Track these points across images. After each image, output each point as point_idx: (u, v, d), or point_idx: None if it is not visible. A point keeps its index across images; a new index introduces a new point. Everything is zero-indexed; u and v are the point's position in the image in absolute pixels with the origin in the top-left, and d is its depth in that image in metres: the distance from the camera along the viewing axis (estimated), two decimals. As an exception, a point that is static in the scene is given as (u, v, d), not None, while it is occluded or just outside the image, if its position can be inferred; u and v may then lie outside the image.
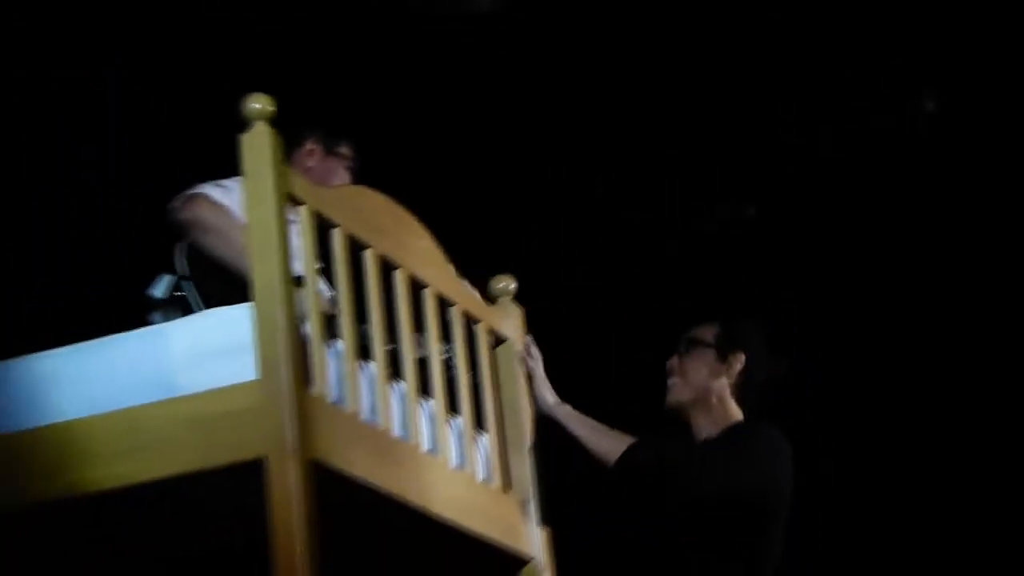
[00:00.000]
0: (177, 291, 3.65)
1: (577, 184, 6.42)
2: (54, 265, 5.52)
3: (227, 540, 3.30)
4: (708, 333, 3.83)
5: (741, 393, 3.78)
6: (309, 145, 4.09)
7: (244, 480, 2.71)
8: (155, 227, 3.81)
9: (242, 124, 2.93)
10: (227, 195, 3.73)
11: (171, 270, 3.70)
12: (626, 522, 3.84)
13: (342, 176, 4.08)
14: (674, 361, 3.85)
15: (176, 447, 2.79)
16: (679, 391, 3.82)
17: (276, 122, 2.86)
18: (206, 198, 3.74)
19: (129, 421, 2.83)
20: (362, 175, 3.98)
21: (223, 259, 3.64)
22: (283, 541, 2.63)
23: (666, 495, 3.67)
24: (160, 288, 3.65)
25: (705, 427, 3.77)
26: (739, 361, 3.79)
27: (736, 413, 3.77)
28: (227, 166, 3.37)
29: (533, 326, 3.79)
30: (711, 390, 3.79)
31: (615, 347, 5.71)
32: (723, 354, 3.79)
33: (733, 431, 3.75)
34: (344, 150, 4.14)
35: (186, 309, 3.61)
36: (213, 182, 3.79)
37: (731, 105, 6.16)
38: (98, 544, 3.30)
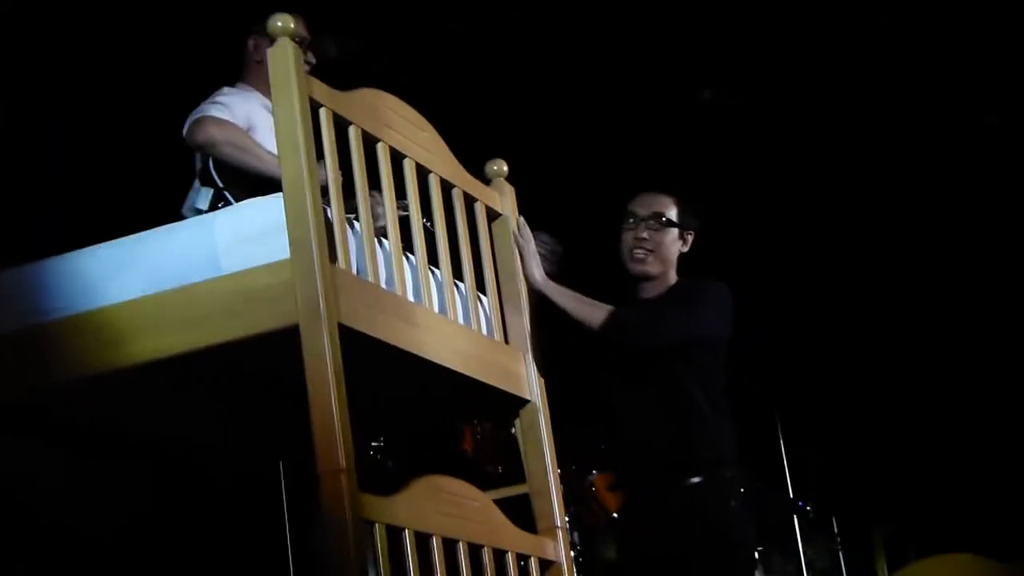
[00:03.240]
0: (219, 200, 3.88)
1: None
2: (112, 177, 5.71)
3: (268, 400, 3.53)
4: (672, 211, 4.03)
5: (680, 260, 4.07)
6: (254, 39, 4.19)
7: (282, 345, 2.90)
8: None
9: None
10: (225, 110, 3.96)
11: (209, 183, 3.94)
12: (604, 370, 4.10)
13: None
14: (648, 235, 4.03)
15: (224, 319, 3.01)
16: (652, 264, 4.04)
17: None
18: (211, 119, 3.97)
19: (183, 298, 3.05)
20: (372, 77, 4.07)
21: (241, 165, 3.91)
22: (317, 397, 2.82)
23: (648, 342, 3.91)
24: (204, 201, 3.90)
25: (651, 288, 4.05)
26: (692, 236, 4.07)
27: (674, 274, 4.06)
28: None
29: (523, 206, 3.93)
30: (673, 263, 4.07)
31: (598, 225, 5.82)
32: (683, 232, 4.06)
33: (686, 287, 4.04)
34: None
35: (228, 211, 3.78)
36: (209, 101, 4.01)
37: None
38: (157, 408, 3.55)
